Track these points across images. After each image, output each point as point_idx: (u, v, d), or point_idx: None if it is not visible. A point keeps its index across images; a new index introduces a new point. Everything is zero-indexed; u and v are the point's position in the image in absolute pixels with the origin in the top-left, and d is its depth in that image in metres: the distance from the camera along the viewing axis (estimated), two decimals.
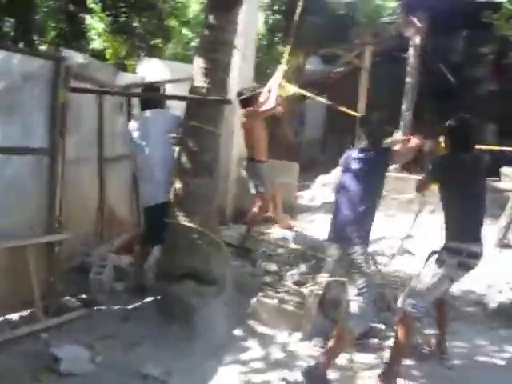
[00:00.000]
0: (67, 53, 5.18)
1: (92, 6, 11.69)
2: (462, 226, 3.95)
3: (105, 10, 11.30)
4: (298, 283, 5.39)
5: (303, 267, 5.66)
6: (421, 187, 4.45)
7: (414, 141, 4.32)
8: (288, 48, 7.00)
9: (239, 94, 6.52)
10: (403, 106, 8.82)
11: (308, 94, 6.42)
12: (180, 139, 5.14)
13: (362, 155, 4.06)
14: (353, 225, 3.94)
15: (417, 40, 8.81)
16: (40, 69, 4.47)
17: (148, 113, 5.33)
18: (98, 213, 6.16)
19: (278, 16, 11.58)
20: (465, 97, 10.80)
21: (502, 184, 8.27)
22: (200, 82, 4.76)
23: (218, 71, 4.77)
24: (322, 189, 8.93)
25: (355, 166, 4.06)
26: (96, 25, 14.68)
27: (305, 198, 9.24)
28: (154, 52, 13.11)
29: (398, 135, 9.05)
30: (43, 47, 14.75)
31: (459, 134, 4.05)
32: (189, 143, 4.76)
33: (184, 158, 4.78)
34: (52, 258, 4.61)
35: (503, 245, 6.75)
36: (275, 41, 11.88)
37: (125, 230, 6.53)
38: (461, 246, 3.85)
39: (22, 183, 4.38)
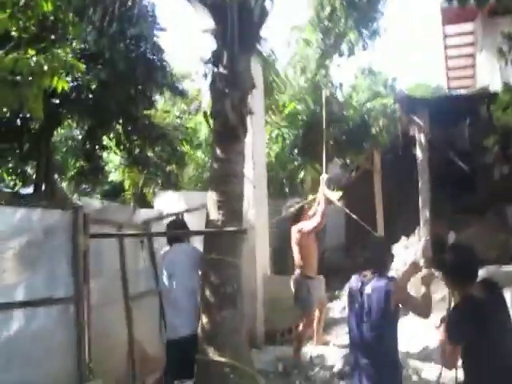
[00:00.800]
0: (84, 201, 5.37)
1: (107, 142, 12.18)
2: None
3: (119, 146, 11.72)
4: None
5: None
6: (452, 361, 3.38)
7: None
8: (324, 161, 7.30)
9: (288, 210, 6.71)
10: (420, 204, 8.83)
11: (338, 204, 6.71)
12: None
13: (364, 287, 3.91)
14: (378, 371, 3.80)
15: (422, 137, 8.97)
16: (59, 221, 4.59)
17: (174, 246, 5.41)
18: (128, 353, 6.08)
19: (295, 132, 11.97)
20: (481, 181, 10.88)
21: None
22: (214, 214, 4.87)
23: (231, 202, 4.89)
24: None
25: (359, 299, 3.92)
26: (113, 158, 15.30)
27: (336, 309, 8.97)
28: (170, 179, 13.49)
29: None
30: (64, 185, 15.34)
31: (461, 268, 3.42)
32: (210, 276, 4.79)
33: (207, 292, 4.79)
34: None
35: None
36: (293, 156, 12.21)
37: (157, 367, 6.39)
38: None
39: (49, 334, 4.37)
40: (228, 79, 5.04)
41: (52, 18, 6.89)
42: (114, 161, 15.69)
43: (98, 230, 5.27)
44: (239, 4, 5.10)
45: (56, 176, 14.64)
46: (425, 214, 8.77)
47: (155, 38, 10.04)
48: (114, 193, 16.50)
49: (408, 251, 9.09)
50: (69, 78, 7.19)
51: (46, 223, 4.51)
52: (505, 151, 7.38)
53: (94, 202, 5.67)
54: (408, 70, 48.88)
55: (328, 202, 6.73)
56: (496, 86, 9.08)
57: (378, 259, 4.03)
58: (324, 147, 7.17)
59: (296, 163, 12.35)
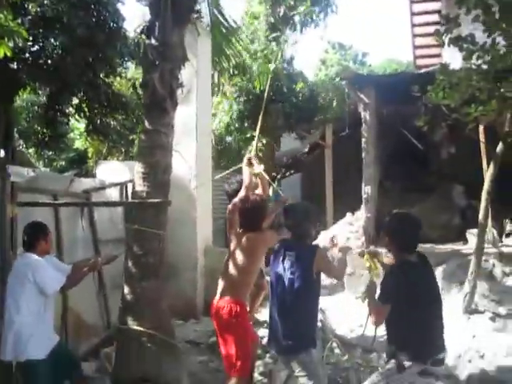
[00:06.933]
0: (14, 169, 5.33)
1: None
2: (426, 339, 3.51)
3: (80, 113, 11.60)
4: (264, 374, 5.33)
5: (267, 357, 5.60)
6: (380, 319, 3.61)
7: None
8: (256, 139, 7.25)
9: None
10: (362, 182, 8.82)
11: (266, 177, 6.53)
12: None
13: (288, 253, 4.01)
14: (293, 331, 3.86)
15: (367, 115, 8.91)
16: None
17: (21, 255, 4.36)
18: (61, 319, 6.10)
19: (246, 105, 11.97)
20: (431, 160, 11.01)
21: (467, 247, 8.05)
22: (140, 186, 4.89)
23: (156, 174, 4.90)
24: None
25: (284, 263, 4.00)
26: (78, 125, 15.15)
27: None
28: (133, 147, 13.42)
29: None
30: (31, 151, 15.23)
31: (402, 234, 3.67)
32: (133, 247, 4.82)
33: (129, 262, 4.83)
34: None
35: (471, 310, 6.54)
36: (245, 126, 12.19)
37: (93, 334, 6.45)
38: (426, 358, 3.49)
39: None
40: (159, 51, 5.03)
41: None
42: (79, 128, 15.54)
43: (30, 199, 5.28)
44: None
45: (21, 142, 14.56)
46: (367, 191, 8.76)
47: (117, 6, 9.86)
48: (79, 160, 16.38)
49: (351, 227, 9.18)
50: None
51: None
52: (451, 131, 7.42)
53: (25, 171, 5.67)
54: (381, 45, 48.79)
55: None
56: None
57: (297, 225, 4.10)
58: (259, 121, 7.09)
59: (247, 135, 12.33)
